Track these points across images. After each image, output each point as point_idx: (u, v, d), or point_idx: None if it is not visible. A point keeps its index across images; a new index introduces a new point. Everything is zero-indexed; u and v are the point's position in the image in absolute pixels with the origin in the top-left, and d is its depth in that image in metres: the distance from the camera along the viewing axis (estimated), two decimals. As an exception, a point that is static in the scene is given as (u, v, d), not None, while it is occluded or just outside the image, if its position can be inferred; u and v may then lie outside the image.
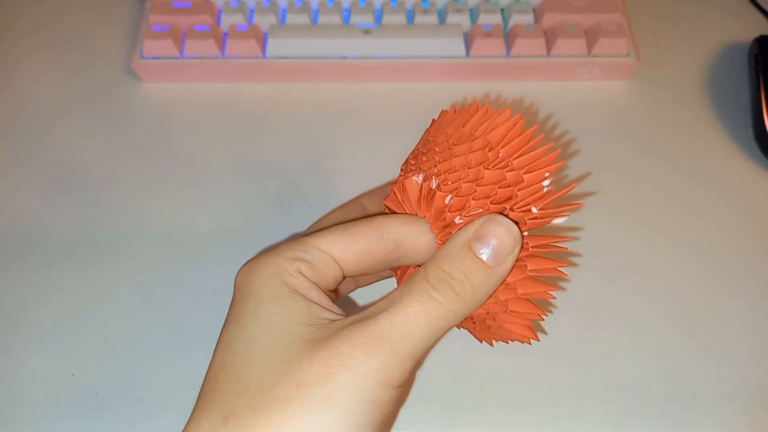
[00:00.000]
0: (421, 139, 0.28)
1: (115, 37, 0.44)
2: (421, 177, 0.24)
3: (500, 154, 0.24)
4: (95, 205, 0.37)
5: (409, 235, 0.24)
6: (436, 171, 0.24)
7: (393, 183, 0.26)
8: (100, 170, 0.39)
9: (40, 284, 0.35)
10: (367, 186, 0.38)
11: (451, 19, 0.42)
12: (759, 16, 0.45)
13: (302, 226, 0.36)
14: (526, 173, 0.23)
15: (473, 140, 0.24)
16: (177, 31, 0.41)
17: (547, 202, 0.23)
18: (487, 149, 0.24)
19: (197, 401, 0.21)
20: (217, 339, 0.33)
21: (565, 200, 0.34)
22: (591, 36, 0.41)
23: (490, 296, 0.23)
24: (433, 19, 0.42)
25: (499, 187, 0.23)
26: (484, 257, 0.22)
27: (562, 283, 0.34)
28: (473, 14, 0.43)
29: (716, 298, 0.34)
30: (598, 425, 0.31)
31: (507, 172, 0.23)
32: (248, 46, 0.41)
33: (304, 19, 0.42)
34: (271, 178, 0.38)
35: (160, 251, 0.36)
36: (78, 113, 0.41)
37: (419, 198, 0.24)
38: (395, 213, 0.25)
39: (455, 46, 0.41)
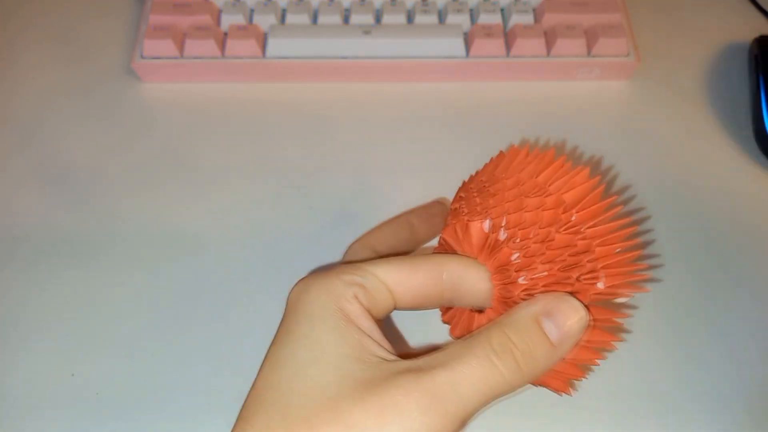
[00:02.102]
0: (485, 170, 0.27)
1: (115, 37, 0.44)
2: (488, 224, 0.23)
3: (573, 218, 0.23)
4: (95, 205, 0.37)
5: (468, 280, 0.23)
6: (504, 223, 0.23)
7: (453, 217, 0.25)
8: (100, 170, 0.39)
9: (40, 284, 0.35)
10: (365, 185, 0.38)
11: (451, 19, 0.42)
12: (759, 16, 0.45)
13: (302, 227, 0.36)
14: (598, 246, 0.23)
15: (547, 196, 0.23)
16: (177, 31, 0.41)
17: (614, 279, 0.23)
18: (561, 210, 0.23)
19: (238, 421, 0.21)
20: (218, 337, 0.33)
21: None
22: (591, 36, 0.41)
23: None
24: (432, 18, 0.42)
25: (568, 255, 0.22)
26: (550, 334, 0.22)
27: None
28: (473, 14, 0.43)
29: (716, 297, 0.34)
30: (598, 425, 0.31)
31: (579, 239, 0.22)
32: (248, 46, 0.41)
33: (304, 19, 0.42)
34: (271, 178, 0.38)
35: (161, 251, 0.36)
36: (78, 113, 0.41)
37: (483, 246, 0.24)
38: (455, 253, 0.25)
39: (455, 46, 0.41)
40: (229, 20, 0.42)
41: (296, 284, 0.23)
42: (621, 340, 0.33)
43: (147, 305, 0.34)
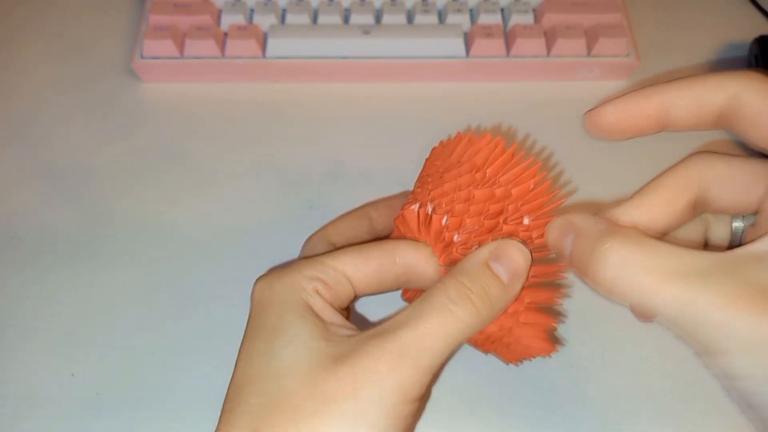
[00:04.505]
0: (417, 178, 0.29)
1: (115, 36, 0.44)
2: (417, 205, 0.25)
3: (487, 174, 0.25)
4: (94, 205, 0.37)
5: (419, 261, 0.25)
6: (430, 198, 0.25)
7: (403, 206, 0.27)
8: (99, 170, 0.39)
9: (40, 284, 0.35)
10: (365, 185, 0.38)
11: (451, 19, 0.42)
12: (759, 16, 0.45)
13: (302, 226, 0.36)
14: (513, 187, 0.25)
15: (461, 166, 0.26)
16: (177, 31, 0.41)
17: (537, 212, 0.25)
18: (474, 171, 0.25)
19: (222, 415, 0.21)
20: (218, 337, 0.33)
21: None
22: (591, 36, 0.41)
23: (496, 326, 0.24)
24: (432, 19, 0.42)
25: (490, 204, 0.24)
26: (500, 275, 0.23)
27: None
28: (473, 14, 0.43)
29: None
30: (598, 425, 0.31)
31: (496, 189, 0.25)
32: (248, 46, 0.41)
33: (304, 19, 0.42)
34: (271, 178, 0.38)
35: (161, 251, 0.36)
36: (77, 113, 0.41)
37: (418, 225, 0.25)
38: (405, 238, 0.26)
39: (455, 46, 0.41)
40: (229, 20, 0.42)
41: (258, 282, 0.24)
42: (562, 296, 0.35)
43: (147, 305, 0.34)
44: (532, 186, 0.25)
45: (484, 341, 0.25)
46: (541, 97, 0.41)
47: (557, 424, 0.31)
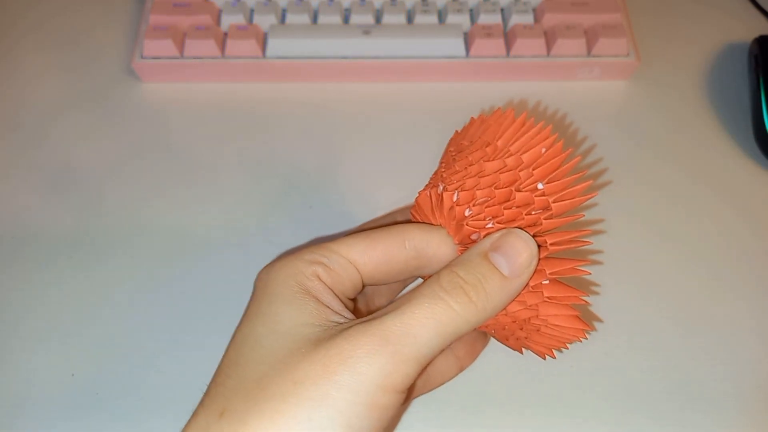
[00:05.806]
0: (454, 140, 0.29)
1: (115, 37, 0.44)
2: (440, 189, 0.24)
3: (498, 146, 0.24)
4: (95, 205, 0.37)
5: (430, 243, 0.24)
6: (441, 179, 0.24)
7: (411, 208, 0.27)
8: (99, 170, 0.39)
9: (40, 284, 0.35)
10: (365, 185, 0.38)
11: (451, 19, 0.42)
12: (759, 16, 0.45)
13: (302, 226, 0.36)
14: (523, 153, 0.24)
15: (473, 145, 0.25)
16: (177, 31, 0.41)
17: (551, 175, 0.23)
18: (485, 146, 0.24)
19: (201, 399, 0.21)
20: (218, 337, 0.33)
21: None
22: (591, 36, 0.41)
23: (520, 305, 0.23)
24: (432, 19, 0.42)
25: (500, 173, 0.23)
26: (501, 268, 0.22)
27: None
28: (473, 14, 0.43)
29: (715, 297, 0.34)
30: (598, 425, 0.31)
31: (506, 158, 0.24)
32: (248, 46, 0.41)
33: (304, 19, 0.42)
34: (271, 178, 0.38)
35: (160, 251, 0.36)
36: (78, 113, 0.41)
37: (432, 208, 0.24)
38: (418, 222, 0.25)
39: (455, 46, 0.41)
40: (229, 20, 0.42)
41: (262, 269, 0.24)
42: (590, 263, 0.33)
43: (147, 305, 0.34)
44: (543, 150, 0.24)
45: (511, 326, 0.24)
46: (541, 97, 0.41)
47: (557, 424, 0.31)
